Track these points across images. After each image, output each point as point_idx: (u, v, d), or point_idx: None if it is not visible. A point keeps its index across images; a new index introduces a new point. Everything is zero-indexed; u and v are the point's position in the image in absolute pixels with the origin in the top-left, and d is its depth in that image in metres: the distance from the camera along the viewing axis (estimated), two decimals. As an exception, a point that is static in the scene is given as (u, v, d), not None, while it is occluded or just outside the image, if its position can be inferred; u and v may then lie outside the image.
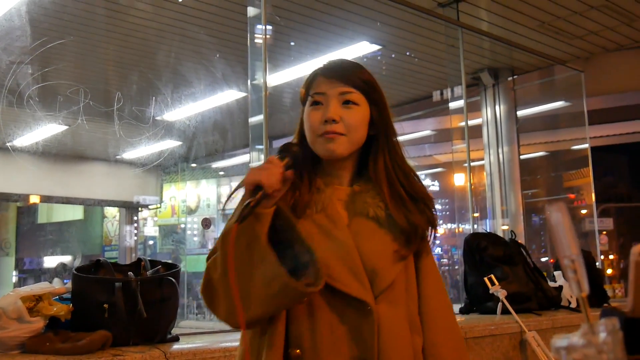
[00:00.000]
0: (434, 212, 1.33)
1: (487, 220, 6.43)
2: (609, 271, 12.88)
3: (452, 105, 5.70)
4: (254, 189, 1.12)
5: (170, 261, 2.22)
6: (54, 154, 7.37)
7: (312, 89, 1.30)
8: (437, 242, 1.40)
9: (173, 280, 2.00)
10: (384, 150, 1.32)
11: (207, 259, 1.21)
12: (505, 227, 6.08)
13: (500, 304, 2.90)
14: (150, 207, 13.07)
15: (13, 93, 4.85)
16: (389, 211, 1.28)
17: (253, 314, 1.13)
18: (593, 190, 6.27)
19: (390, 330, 1.22)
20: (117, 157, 9.83)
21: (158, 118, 6.41)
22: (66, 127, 6.72)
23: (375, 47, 5.67)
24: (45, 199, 11.23)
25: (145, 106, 5.99)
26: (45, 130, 7.06)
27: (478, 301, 3.09)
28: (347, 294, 1.20)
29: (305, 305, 1.19)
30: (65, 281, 2.03)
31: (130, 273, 1.95)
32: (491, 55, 6.04)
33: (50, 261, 14.26)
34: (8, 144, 6.62)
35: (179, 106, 6.38)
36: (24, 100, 5.01)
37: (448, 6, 4.81)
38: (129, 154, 9.47)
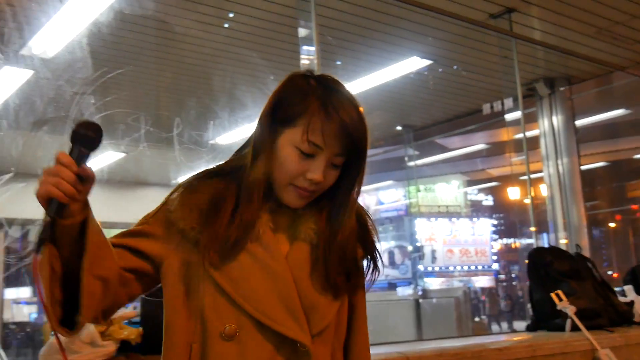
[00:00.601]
0: (376, 248, 1.25)
1: (545, 234, 6.25)
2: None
3: (507, 117, 5.60)
4: (49, 202, 0.95)
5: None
6: (118, 180, 7.59)
7: (311, 132, 1.12)
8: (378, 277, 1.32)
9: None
10: (346, 203, 1.20)
11: None
12: (565, 241, 5.88)
13: (569, 321, 2.80)
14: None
15: (77, 123, 5.03)
16: (333, 243, 1.17)
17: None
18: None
19: None
20: (176, 182, 10.08)
21: (214, 142, 6.54)
22: (127, 154, 6.94)
23: (426, 62, 5.64)
24: (108, 225, 11.58)
25: (203, 130, 6.12)
26: (108, 157, 7.33)
27: (545, 318, 2.99)
28: (281, 333, 1.10)
29: (235, 344, 1.10)
30: (127, 305, 2.08)
31: (196, 295, 1.98)
32: (546, 65, 5.91)
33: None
34: (72, 173, 6.85)
35: (235, 129, 6.50)
36: (88, 130, 5.19)
37: (500, 17, 4.74)
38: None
